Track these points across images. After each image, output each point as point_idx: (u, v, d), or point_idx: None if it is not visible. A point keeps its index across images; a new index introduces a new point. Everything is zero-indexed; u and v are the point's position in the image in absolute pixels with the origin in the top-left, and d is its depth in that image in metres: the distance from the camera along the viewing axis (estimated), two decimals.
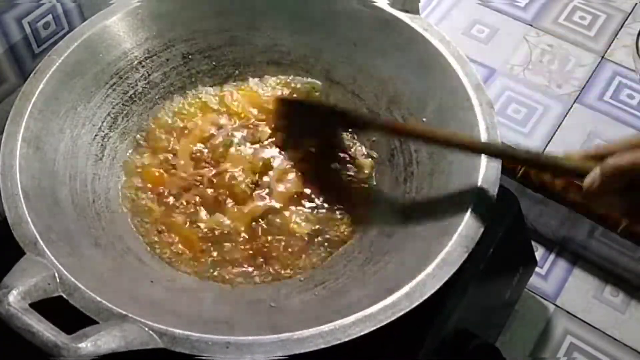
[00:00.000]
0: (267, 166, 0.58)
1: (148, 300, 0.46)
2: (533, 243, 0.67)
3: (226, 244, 0.54)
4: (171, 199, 0.57)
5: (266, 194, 0.57)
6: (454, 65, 0.55)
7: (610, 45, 0.83)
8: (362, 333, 0.41)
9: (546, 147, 0.73)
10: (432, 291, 0.43)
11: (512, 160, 0.47)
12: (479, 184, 0.48)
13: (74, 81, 0.56)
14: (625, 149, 0.39)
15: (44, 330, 0.38)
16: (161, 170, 0.58)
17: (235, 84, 0.64)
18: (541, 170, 0.47)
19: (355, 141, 0.61)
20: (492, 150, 0.49)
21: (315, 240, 0.55)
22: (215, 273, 0.53)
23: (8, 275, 0.41)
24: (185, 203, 0.56)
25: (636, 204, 0.38)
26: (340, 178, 0.59)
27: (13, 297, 0.39)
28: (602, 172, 0.38)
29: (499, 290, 0.60)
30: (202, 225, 0.55)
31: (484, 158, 0.49)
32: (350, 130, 0.61)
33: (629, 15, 0.86)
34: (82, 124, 0.56)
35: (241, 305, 0.50)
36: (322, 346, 0.40)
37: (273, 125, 0.61)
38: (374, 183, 0.59)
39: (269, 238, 0.55)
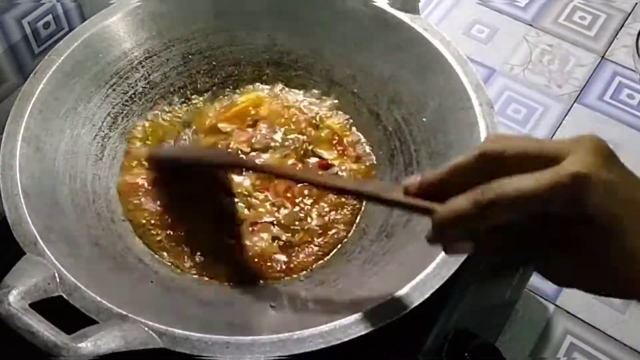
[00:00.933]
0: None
1: (148, 300, 0.46)
2: None
3: (226, 244, 0.54)
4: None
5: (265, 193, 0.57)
6: (454, 65, 0.55)
7: (610, 45, 0.83)
8: (362, 333, 0.41)
9: None
10: (432, 291, 0.43)
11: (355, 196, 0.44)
12: None
13: (74, 81, 0.56)
14: (458, 177, 0.34)
15: (44, 330, 0.38)
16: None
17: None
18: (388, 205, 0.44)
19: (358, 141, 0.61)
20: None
21: (315, 240, 0.55)
22: (215, 273, 0.53)
23: (8, 275, 0.41)
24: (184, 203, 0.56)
25: (486, 245, 0.35)
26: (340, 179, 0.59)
27: (13, 297, 0.39)
28: (433, 224, 0.34)
29: (499, 290, 0.60)
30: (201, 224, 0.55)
31: None
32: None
33: (629, 15, 0.87)
34: (82, 124, 0.56)
35: (241, 305, 0.50)
36: (322, 346, 0.40)
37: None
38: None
39: (269, 238, 0.55)
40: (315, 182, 0.47)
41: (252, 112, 0.62)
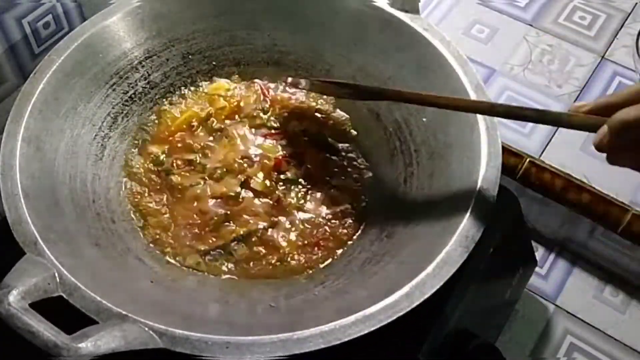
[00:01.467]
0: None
1: (148, 300, 0.46)
2: (533, 243, 0.67)
3: (226, 244, 0.54)
4: (171, 199, 0.57)
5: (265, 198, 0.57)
6: (454, 65, 0.55)
7: (610, 45, 0.83)
8: (362, 333, 0.41)
9: (546, 147, 0.73)
10: (432, 291, 0.43)
11: (519, 118, 0.45)
12: (479, 184, 0.48)
13: (74, 81, 0.56)
14: (631, 101, 0.38)
15: (44, 330, 0.38)
16: (161, 170, 0.58)
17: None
18: (552, 124, 0.47)
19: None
20: (498, 111, 0.47)
21: (315, 240, 0.55)
22: (215, 273, 0.53)
23: (8, 275, 0.41)
24: (185, 203, 0.56)
25: None
26: (340, 179, 0.59)
27: (13, 297, 0.39)
28: (610, 129, 0.38)
29: (499, 290, 0.60)
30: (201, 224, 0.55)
31: (484, 158, 0.49)
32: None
33: (629, 15, 0.87)
34: (82, 124, 0.56)
35: (241, 305, 0.50)
36: (322, 346, 0.40)
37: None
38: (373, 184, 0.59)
39: (269, 238, 0.55)
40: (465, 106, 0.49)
41: None
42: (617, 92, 0.40)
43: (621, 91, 0.39)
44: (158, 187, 0.57)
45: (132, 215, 0.56)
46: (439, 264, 0.44)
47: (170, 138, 0.60)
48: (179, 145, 0.60)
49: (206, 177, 0.58)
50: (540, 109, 0.45)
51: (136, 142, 0.60)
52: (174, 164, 0.59)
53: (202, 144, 0.60)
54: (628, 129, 0.37)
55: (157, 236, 0.55)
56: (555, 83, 0.80)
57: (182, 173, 0.58)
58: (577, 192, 0.68)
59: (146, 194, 0.57)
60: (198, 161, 0.59)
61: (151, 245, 0.54)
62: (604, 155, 0.40)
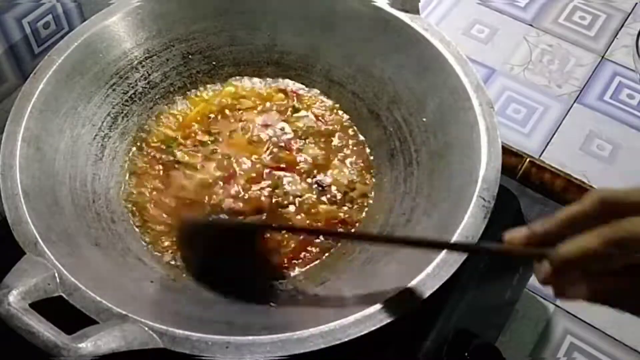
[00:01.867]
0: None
1: (148, 300, 0.46)
2: None
3: (226, 244, 0.54)
4: (171, 199, 0.57)
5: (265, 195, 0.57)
6: (454, 65, 0.55)
7: (610, 45, 0.83)
8: (362, 333, 0.41)
9: (546, 147, 0.73)
10: (432, 291, 0.43)
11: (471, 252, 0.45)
12: (479, 184, 0.48)
13: (74, 81, 0.56)
14: (565, 228, 0.34)
15: (44, 330, 0.38)
16: (161, 170, 0.58)
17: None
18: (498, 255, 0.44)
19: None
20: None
21: (315, 240, 0.55)
22: (215, 272, 0.53)
23: (8, 275, 0.41)
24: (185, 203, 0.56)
25: (600, 290, 0.34)
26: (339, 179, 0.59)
27: (13, 297, 0.39)
28: (553, 267, 0.34)
29: (499, 290, 0.60)
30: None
31: (484, 158, 0.49)
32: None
33: (629, 15, 0.87)
34: (82, 124, 0.56)
35: (241, 305, 0.50)
36: (322, 346, 0.40)
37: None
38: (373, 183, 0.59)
39: (269, 238, 0.55)
40: (384, 240, 0.49)
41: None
42: (549, 219, 0.36)
43: (554, 217, 0.36)
44: (159, 186, 0.57)
45: (132, 215, 0.56)
46: (439, 264, 0.44)
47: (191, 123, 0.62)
48: (197, 127, 0.61)
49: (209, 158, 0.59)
50: (474, 244, 0.44)
51: (136, 141, 0.60)
52: (184, 143, 0.60)
53: (219, 130, 0.61)
54: (572, 265, 0.34)
55: (157, 236, 0.55)
56: (555, 83, 0.80)
57: (190, 152, 0.59)
58: (577, 192, 0.68)
59: (147, 194, 0.57)
60: (208, 142, 0.60)
61: (151, 245, 0.54)
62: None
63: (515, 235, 0.37)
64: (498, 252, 0.40)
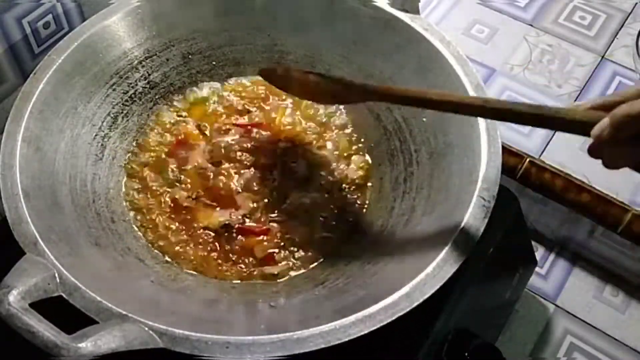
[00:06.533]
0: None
1: (148, 300, 0.46)
2: (533, 243, 0.67)
3: (226, 244, 0.54)
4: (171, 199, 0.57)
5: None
6: (454, 65, 0.55)
7: (610, 45, 0.83)
8: (362, 333, 0.41)
9: (546, 147, 0.73)
10: (432, 291, 0.43)
11: (514, 117, 0.43)
12: (479, 184, 0.48)
13: (74, 81, 0.56)
14: (634, 97, 0.37)
15: (44, 330, 0.38)
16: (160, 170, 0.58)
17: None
18: (546, 126, 0.44)
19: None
20: (490, 108, 0.43)
21: (315, 240, 0.55)
22: (216, 273, 0.53)
23: (8, 275, 0.41)
24: (185, 203, 0.56)
25: None
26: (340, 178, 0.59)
27: (13, 297, 0.39)
28: (612, 120, 0.37)
29: (499, 290, 0.60)
30: (202, 225, 0.55)
31: (484, 158, 0.49)
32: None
33: (629, 15, 0.87)
34: (82, 124, 0.56)
35: (241, 305, 0.50)
36: (322, 346, 0.40)
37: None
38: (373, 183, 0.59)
39: (269, 239, 0.55)
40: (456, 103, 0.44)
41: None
42: (617, 92, 0.39)
43: (622, 90, 0.39)
44: (159, 186, 0.57)
45: (132, 215, 0.56)
46: (439, 264, 0.44)
47: None
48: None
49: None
50: (536, 104, 0.42)
51: (136, 141, 0.60)
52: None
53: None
54: (631, 121, 0.37)
55: (157, 236, 0.55)
56: (555, 83, 0.80)
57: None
58: (577, 192, 0.68)
59: (148, 194, 0.57)
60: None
61: (151, 245, 0.54)
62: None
63: (580, 103, 0.40)
64: (558, 116, 0.41)
